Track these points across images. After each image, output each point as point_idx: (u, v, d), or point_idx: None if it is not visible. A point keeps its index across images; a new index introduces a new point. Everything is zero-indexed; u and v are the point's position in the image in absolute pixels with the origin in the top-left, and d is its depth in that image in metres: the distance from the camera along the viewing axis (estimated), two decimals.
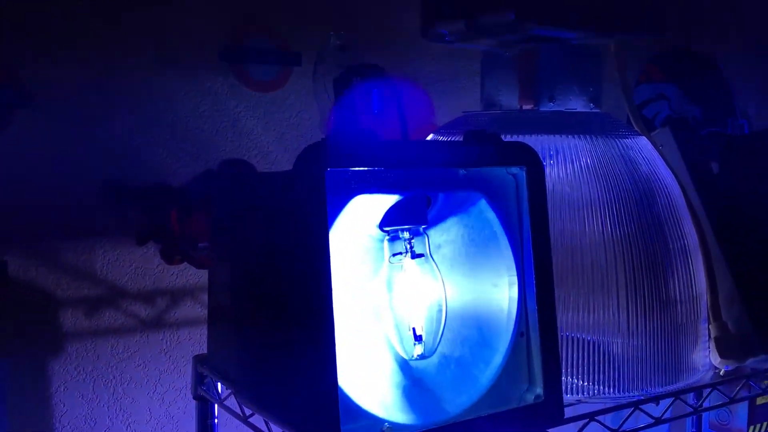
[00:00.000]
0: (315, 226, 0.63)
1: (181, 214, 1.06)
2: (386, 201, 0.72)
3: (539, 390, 0.74)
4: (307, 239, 0.64)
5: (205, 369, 0.97)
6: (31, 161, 1.06)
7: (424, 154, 0.71)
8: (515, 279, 0.74)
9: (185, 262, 1.07)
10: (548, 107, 0.93)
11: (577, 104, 0.94)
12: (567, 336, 0.86)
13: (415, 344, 0.73)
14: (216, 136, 1.20)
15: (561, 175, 0.89)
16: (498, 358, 0.75)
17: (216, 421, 1.03)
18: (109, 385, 1.17)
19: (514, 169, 0.75)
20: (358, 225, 0.71)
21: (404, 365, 0.74)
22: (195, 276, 1.18)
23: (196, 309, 1.19)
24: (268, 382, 0.75)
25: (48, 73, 1.06)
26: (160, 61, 1.14)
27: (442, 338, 0.75)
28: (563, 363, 0.85)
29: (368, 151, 0.67)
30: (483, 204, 0.75)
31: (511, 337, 0.74)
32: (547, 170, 0.87)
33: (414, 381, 0.73)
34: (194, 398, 1.02)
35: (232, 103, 1.21)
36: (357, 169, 0.67)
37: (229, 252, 0.85)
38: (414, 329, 0.73)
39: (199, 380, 1.01)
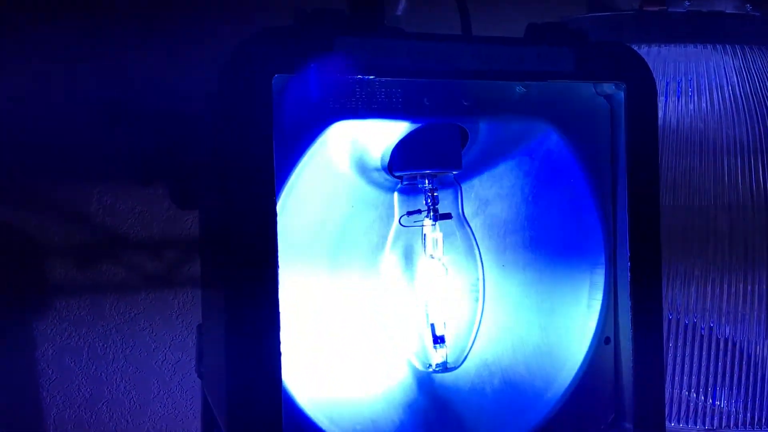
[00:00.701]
0: (254, 167, 0.47)
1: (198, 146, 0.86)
2: (391, 132, 0.55)
3: (629, 425, 0.58)
4: (245, 187, 0.47)
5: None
6: (7, 80, 0.89)
7: (454, 56, 0.52)
8: (602, 257, 0.59)
9: None
10: (682, 8, 0.78)
11: (726, 4, 0.79)
12: (682, 322, 0.73)
13: (436, 348, 0.58)
14: None
15: (692, 105, 0.75)
16: (568, 374, 0.59)
17: None
18: (108, 351, 1.00)
19: (608, 87, 0.57)
20: (343, 167, 0.56)
21: (421, 379, 0.59)
22: None
23: None
24: (218, 374, 0.58)
25: None
26: None
27: (478, 340, 0.59)
28: (673, 365, 0.71)
29: (354, 46, 0.49)
30: (554, 141, 0.58)
31: (591, 344, 0.59)
32: (671, 98, 0.74)
33: (434, 402, 0.59)
34: (198, 375, 0.84)
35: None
36: (333, 76, 0.49)
37: (203, 194, 0.70)
38: (433, 326, 0.57)
39: (201, 353, 0.83)
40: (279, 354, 0.47)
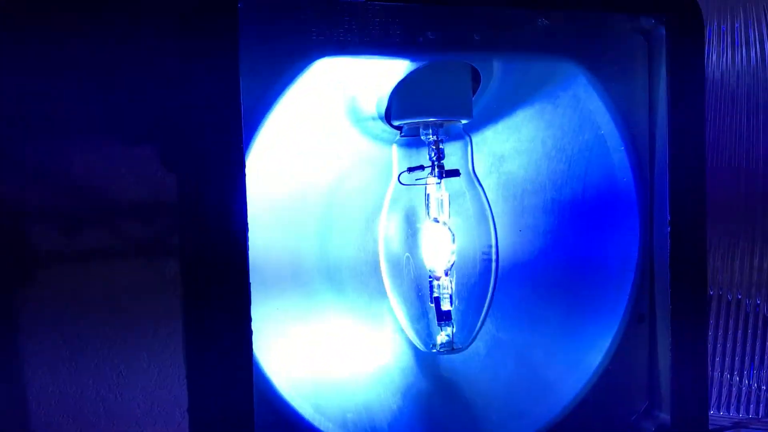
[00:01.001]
0: (218, 112, 0.41)
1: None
2: (388, 72, 0.49)
3: (665, 415, 0.53)
4: (206, 140, 0.42)
5: None
6: None
7: None
8: (636, 221, 0.54)
9: None
10: None
11: None
12: (725, 298, 0.67)
13: (441, 326, 0.52)
14: None
15: (740, 57, 0.69)
16: (594, 356, 0.54)
17: None
18: (96, 322, 0.95)
19: (646, 21, 0.52)
20: (332, 115, 0.50)
21: (423, 360, 0.55)
22: None
23: None
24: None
25: None
26: None
27: (489, 317, 0.53)
28: (713, 345, 0.66)
29: None
30: (582, 84, 0.53)
31: (622, 322, 0.54)
32: (715, 49, 0.69)
33: (438, 387, 0.55)
34: None
35: None
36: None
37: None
38: (438, 301, 0.52)
39: None
40: (250, 332, 0.41)
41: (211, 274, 0.43)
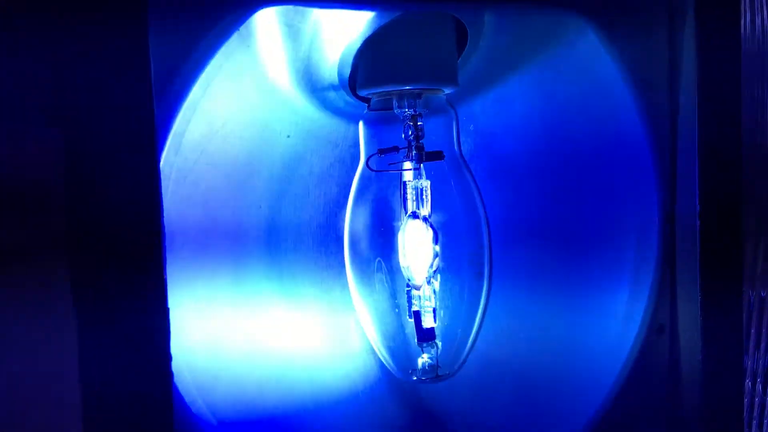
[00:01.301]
0: (123, 79, 0.33)
1: None
2: (352, 27, 0.42)
3: None
4: (105, 118, 0.34)
5: None
6: None
7: None
8: (655, 212, 0.48)
9: None
10: None
11: None
12: (747, 295, 0.60)
13: (423, 348, 0.45)
14: None
15: (761, 19, 0.65)
16: (605, 376, 0.49)
17: None
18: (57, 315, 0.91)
19: None
20: (280, 82, 0.42)
21: (401, 387, 0.48)
22: None
23: None
24: None
25: None
26: None
27: (482, 333, 0.46)
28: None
29: None
30: (591, 45, 0.47)
31: (638, 334, 0.49)
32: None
33: (420, 418, 0.48)
34: None
35: None
36: None
37: None
38: (418, 315, 0.45)
39: None
40: (168, 357, 0.32)
41: (118, 283, 0.34)
